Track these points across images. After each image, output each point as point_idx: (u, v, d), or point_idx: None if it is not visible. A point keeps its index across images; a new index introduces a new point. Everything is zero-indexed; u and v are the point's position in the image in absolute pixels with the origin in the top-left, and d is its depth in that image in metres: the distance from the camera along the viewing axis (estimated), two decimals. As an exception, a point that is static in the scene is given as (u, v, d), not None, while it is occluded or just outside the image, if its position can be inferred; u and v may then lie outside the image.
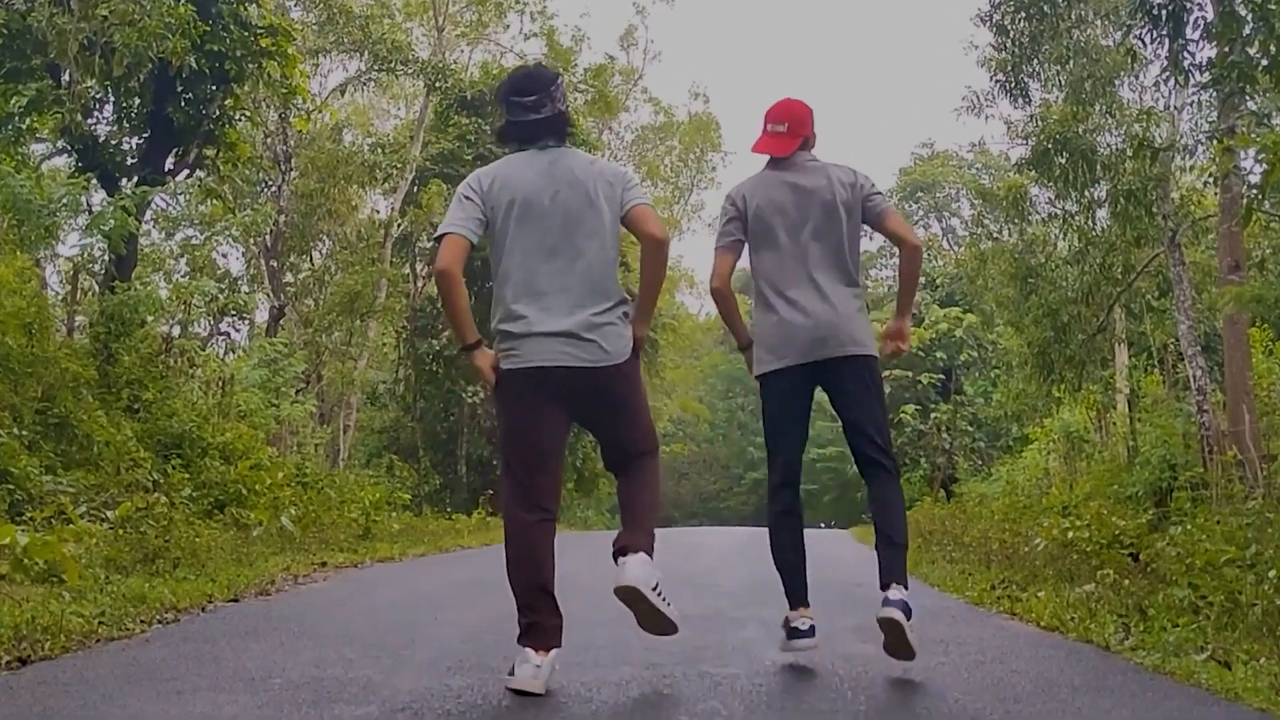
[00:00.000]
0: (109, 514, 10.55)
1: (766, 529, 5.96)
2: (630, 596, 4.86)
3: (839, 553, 15.60)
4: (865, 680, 5.35)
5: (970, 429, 38.56)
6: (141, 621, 6.92)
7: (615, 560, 4.96)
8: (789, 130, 5.86)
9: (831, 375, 5.64)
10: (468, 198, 5.05)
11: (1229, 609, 7.23)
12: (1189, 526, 10.65)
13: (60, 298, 16.75)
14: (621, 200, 5.05)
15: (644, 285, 5.18)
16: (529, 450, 5.01)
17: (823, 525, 37.93)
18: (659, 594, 4.91)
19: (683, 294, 61.09)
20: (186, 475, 13.76)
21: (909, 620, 5.25)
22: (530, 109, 5.06)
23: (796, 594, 5.73)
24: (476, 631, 6.74)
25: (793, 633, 5.62)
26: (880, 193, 5.90)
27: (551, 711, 4.56)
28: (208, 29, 16.02)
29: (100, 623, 6.59)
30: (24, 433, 11.35)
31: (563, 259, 4.95)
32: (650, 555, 4.99)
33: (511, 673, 4.87)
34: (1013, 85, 19.58)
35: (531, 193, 4.98)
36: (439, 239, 4.99)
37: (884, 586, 5.42)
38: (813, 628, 5.62)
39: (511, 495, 5.03)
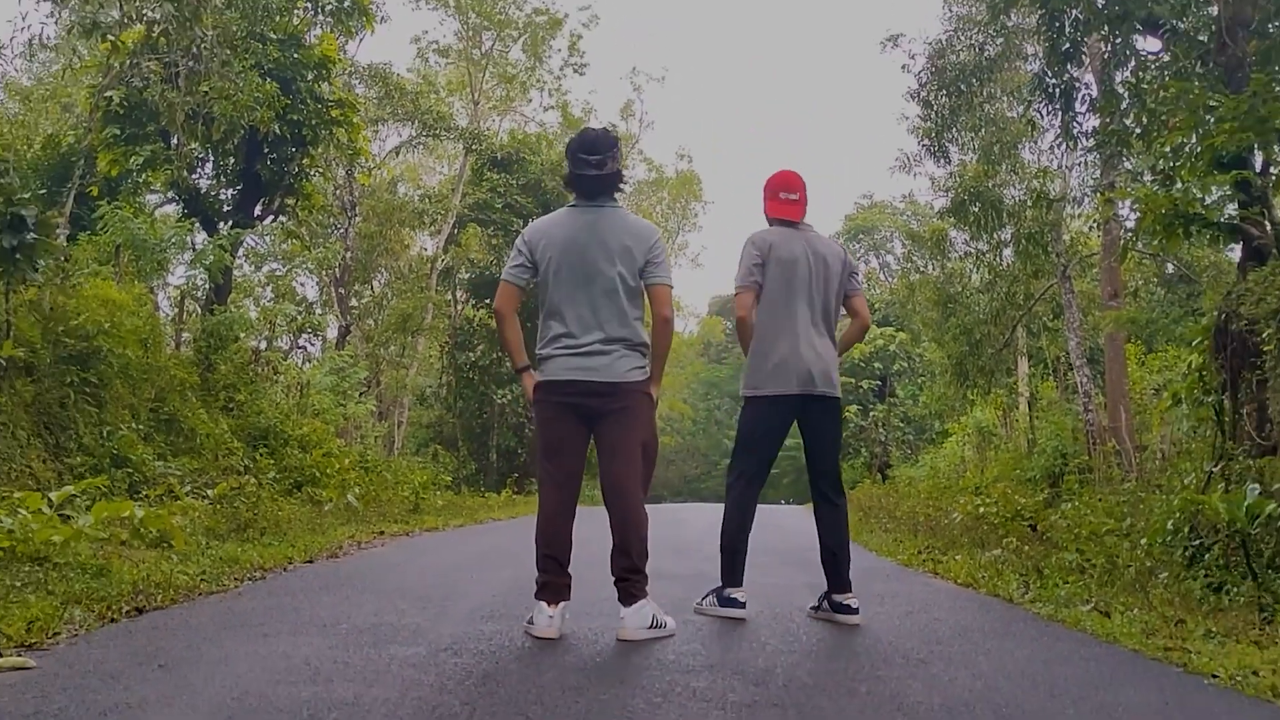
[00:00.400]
0: (209, 492, 10.55)
1: (725, 511, 5.81)
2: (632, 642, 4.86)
3: (797, 524, 15.59)
4: (816, 626, 5.36)
5: (902, 425, 38.56)
6: (235, 579, 6.91)
7: (618, 591, 4.95)
8: (800, 199, 5.85)
9: (814, 408, 5.64)
10: (520, 250, 5.08)
11: (1109, 569, 7.24)
12: (1077, 503, 10.67)
13: (170, 318, 16.70)
14: (643, 271, 5.01)
15: (653, 353, 5.12)
16: (553, 445, 5.02)
17: (783, 502, 38.00)
18: (655, 627, 4.90)
19: (671, 316, 61.19)
20: (271, 461, 13.76)
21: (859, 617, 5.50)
22: (594, 165, 5.01)
23: (739, 574, 5.71)
24: (504, 588, 6.74)
25: (730, 602, 5.63)
26: (858, 272, 5.95)
27: (564, 652, 4.55)
28: (289, 102, 16.06)
29: (202, 580, 6.59)
30: (140, 427, 11.35)
31: (585, 306, 4.92)
32: (645, 594, 4.94)
33: (530, 621, 4.92)
34: (936, 148, 19.63)
35: (567, 249, 4.97)
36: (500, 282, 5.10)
37: (839, 591, 5.57)
38: (745, 602, 5.65)
39: (542, 482, 5.11)
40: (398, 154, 33.99)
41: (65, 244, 12.76)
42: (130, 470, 10.41)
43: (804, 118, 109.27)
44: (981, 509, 11.86)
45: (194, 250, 15.80)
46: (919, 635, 5.07)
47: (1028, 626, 5.54)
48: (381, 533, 11.82)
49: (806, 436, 5.70)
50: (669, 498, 55.74)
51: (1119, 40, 12.01)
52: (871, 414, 39.20)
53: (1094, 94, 13.47)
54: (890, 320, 41.59)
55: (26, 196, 9.15)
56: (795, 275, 5.65)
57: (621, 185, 5.15)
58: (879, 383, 41.71)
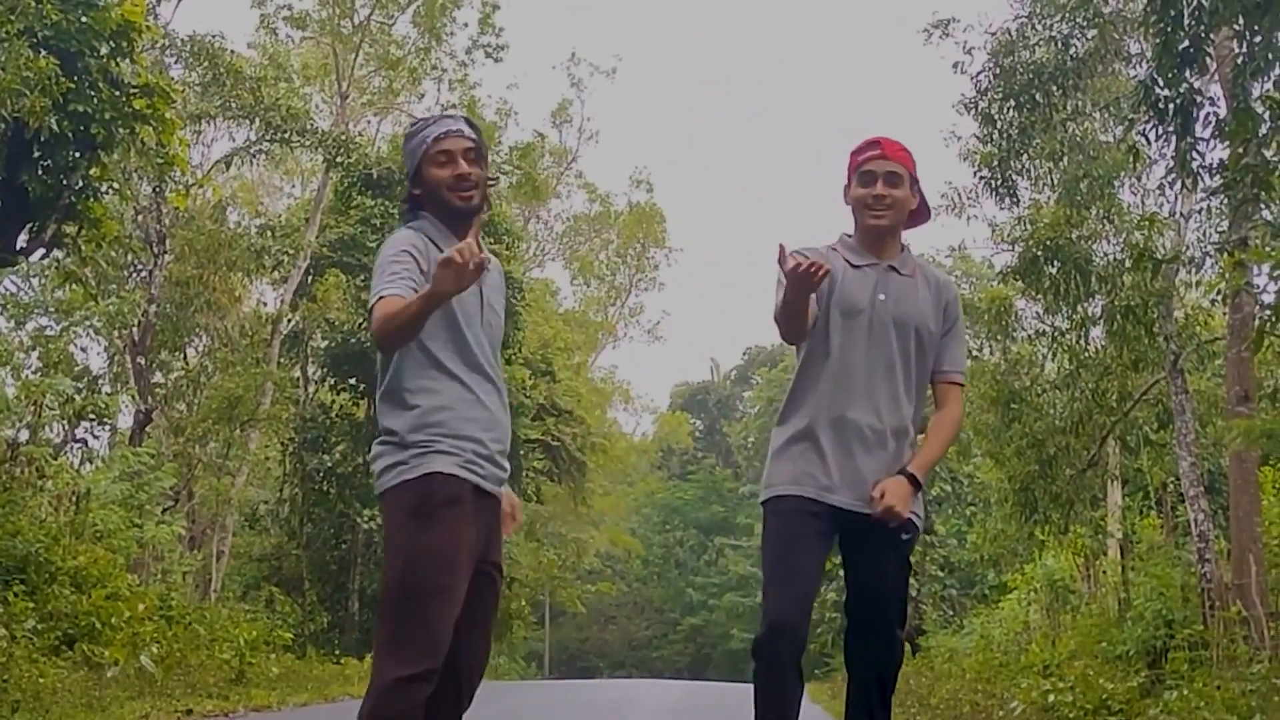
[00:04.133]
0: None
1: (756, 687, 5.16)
2: None
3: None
4: None
5: (941, 574, 38.65)
6: (-28, 775, 6.85)
7: None
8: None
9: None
10: None
11: (1231, 787, 7.31)
12: (1186, 691, 10.74)
13: (-110, 393, 16.61)
14: None
15: None
16: None
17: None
18: None
19: (616, 410, 61.29)
20: (31, 605, 13.61)
21: None
22: None
23: None
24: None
25: None
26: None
27: None
28: (72, 86, 15.98)
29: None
30: None
31: None
32: None
33: None
34: (999, 182, 19.83)
35: None
36: None
37: None
38: None
39: None
40: (229, 166, 34.06)
41: None
42: None
43: (812, 134, 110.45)
44: (1052, 697, 11.93)
45: (-72, 296, 15.76)
46: None
47: None
48: (189, 711, 11.74)
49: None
50: (606, 670, 55.42)
51: (1259, 38, 12.25)
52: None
53: (1222, 113, 13.72)
54: (927, 424, 41.88)
55: None
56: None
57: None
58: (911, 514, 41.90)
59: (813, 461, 5.17)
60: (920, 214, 5.31)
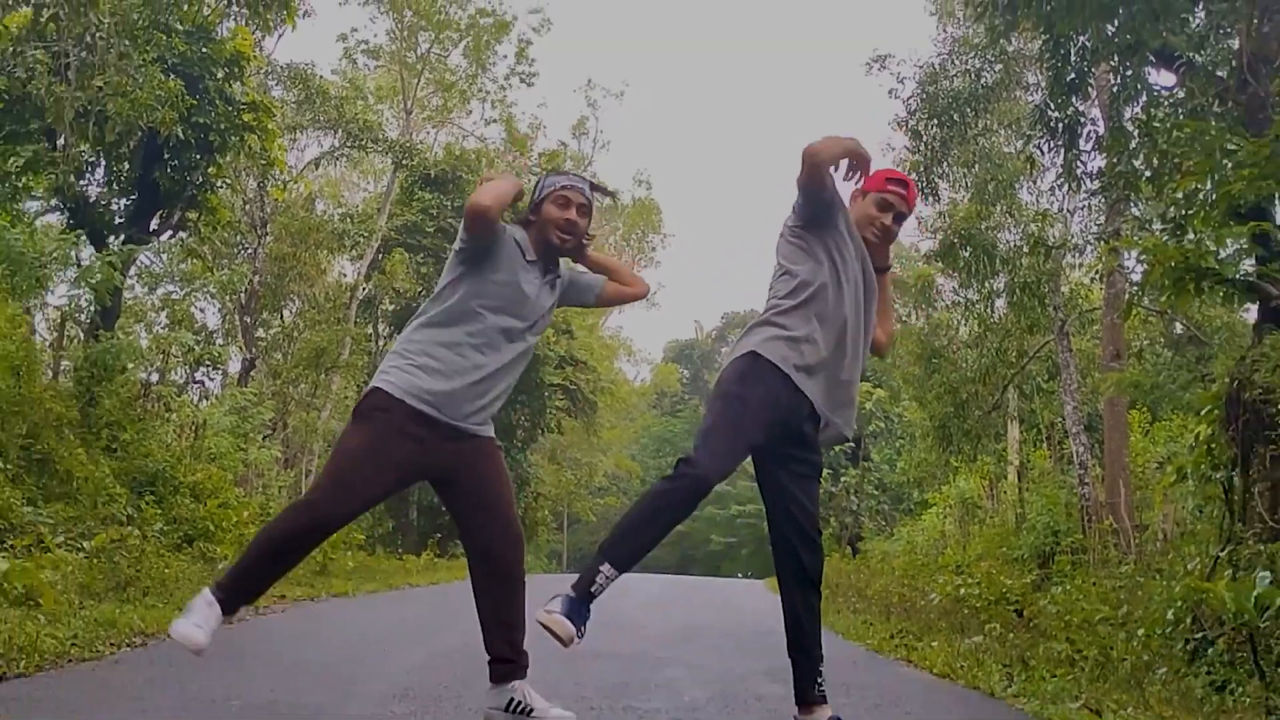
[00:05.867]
0: (85, 544, 10.41)
1: (654, 498, 4.56)
2: None
3: (755, 603, 15.62)
4: (775, 718, 5.36)
5: (876, 493, 38.65)
6: (111, 645, 6.83)
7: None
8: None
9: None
10: None
11: (1101, 663, 7.29)
12: (1068, 587, 10.74)
13: (48, 344, 16.54)
14: None
15: None
16: None
17: (740, 576, 37.97)
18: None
19: (621, 362, 61.30)
20: (159, 511, 13.60)
21: None
22: None
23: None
24: (418, 665, 6.70)
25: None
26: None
27: (487, 739, 4.54)
28: (195, 103, 15.98)
29: (73, 644, 6.51)
30: (8, 467, 11.20)
31: None
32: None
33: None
34: (924, 184, 19.76)
35: None
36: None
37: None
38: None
39: None
40: (317, 166, 33.91)
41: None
42: (-6, 516, 10.27)
43: (777, 146, 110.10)
44: (962, 590, 11.92)
45: (79, 267, 15.67)
46: (888, 732, 5.08)
47: (1010, 725, 5.57)
48: (282, 597, 11.70)
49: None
50: (611, 567, 55.58)
51: (1130, 73, 12.21)
52: (843, 479, 39.27)
53: (1100, 131, 13.66)
54: (867, 375, 41.80)
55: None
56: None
57: None
58: (852, 445, 41.78)
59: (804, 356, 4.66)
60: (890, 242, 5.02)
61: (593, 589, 4.37)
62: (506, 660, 4.73)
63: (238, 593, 4.57)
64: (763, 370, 4.57)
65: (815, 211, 4.77)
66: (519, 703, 4.70)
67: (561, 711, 4.73)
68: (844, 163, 4.77)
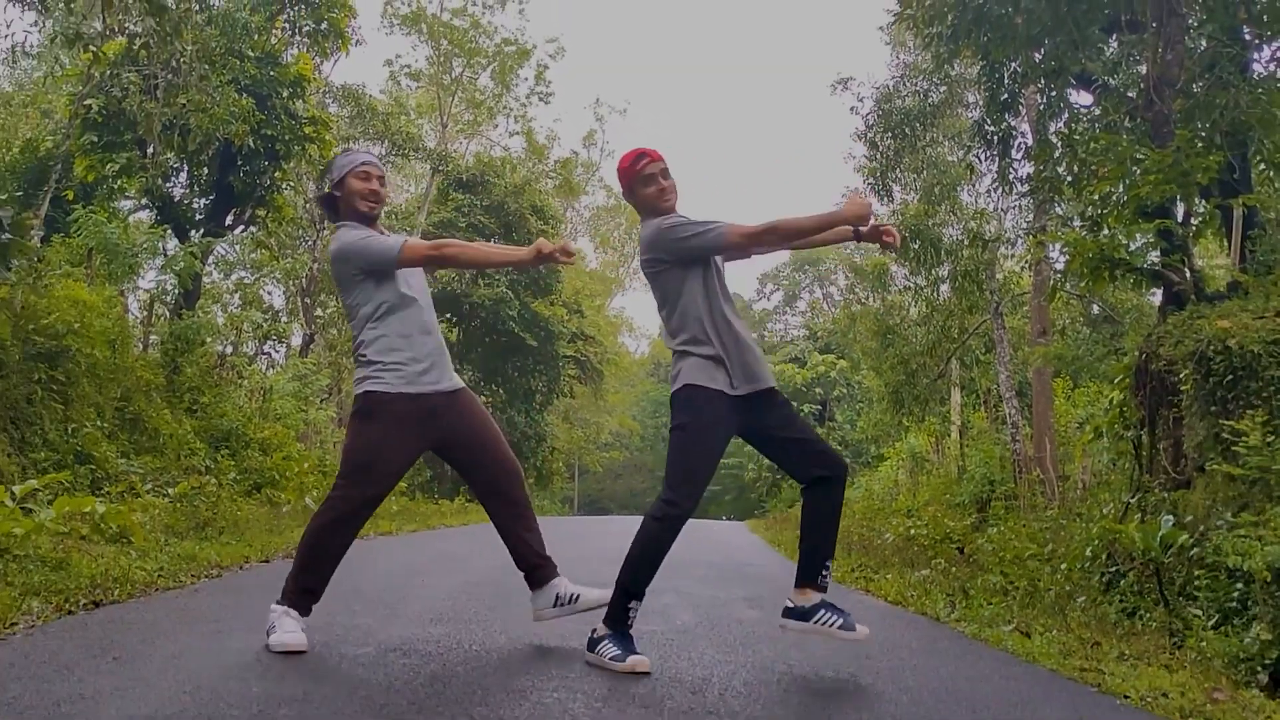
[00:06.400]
0: (170, 491, 10.42)
1: (649, 539, 4.47)
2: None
3: (738, 540, 15.63)
4: (752, 638, 5.36)
5: (840, 448, 38.71)
6: (192, 576, 6.83)
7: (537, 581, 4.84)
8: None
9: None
10: None
11: (1030, 592, 7.30)
12: (1002, 528, 10.74)
13: (138, 321, 16.50)
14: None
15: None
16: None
17: (724, 518, 38.08)
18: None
19: (624, 337, 61.32)
20: (232, 462, 13.60)
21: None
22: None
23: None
24: (454, 592, 6.69)
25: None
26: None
27: (511, 655, 4.53)
28: (263, 117, 15.95)
29: (159, 576, 6.51)
30: (105, 425, 11.19)
31: None
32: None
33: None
34: (880, 187, 19.74)
35: None
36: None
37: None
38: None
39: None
40: (367, 172, 33.72)
41: (39, 245, 12.59)
42: (93, 467, 10.26)
43: (756, 153, 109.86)
44: (912, 531, 11.93)
45: (165, 256, 15.61)
46: (849, 650, 5.08)
47: (953, 645, 5.57)
48: (337, 534, 11.71)
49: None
50: (615, 510, 55.71)
51: (1054, 93, 12.18)
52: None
53: (1029, 143, 13.65)
54: (831, 348, 41.85)
55: (3, 198, 9.06)
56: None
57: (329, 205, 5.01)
58: (819, 407, 41.92)
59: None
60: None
61: (628, 621, 4.45)
62: (538, 565, 4.78)
63: (301, 594, 4.56)
64: (703, 398, 4.44)
65: (694, 257, 4.57)
66: (564, 595, 4.76)
67: (600, 591, 4.78)
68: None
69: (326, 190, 4.92)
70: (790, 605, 4.60)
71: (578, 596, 4.73)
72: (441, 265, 4.89)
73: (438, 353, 4.73)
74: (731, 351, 4.48)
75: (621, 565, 4.46)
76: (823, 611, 4.52)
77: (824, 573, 4.57)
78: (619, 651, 4.33)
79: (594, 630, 4.45)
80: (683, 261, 4.54)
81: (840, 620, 4.50)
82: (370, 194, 4.86)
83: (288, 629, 4.43)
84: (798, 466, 4.57)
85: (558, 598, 4.74)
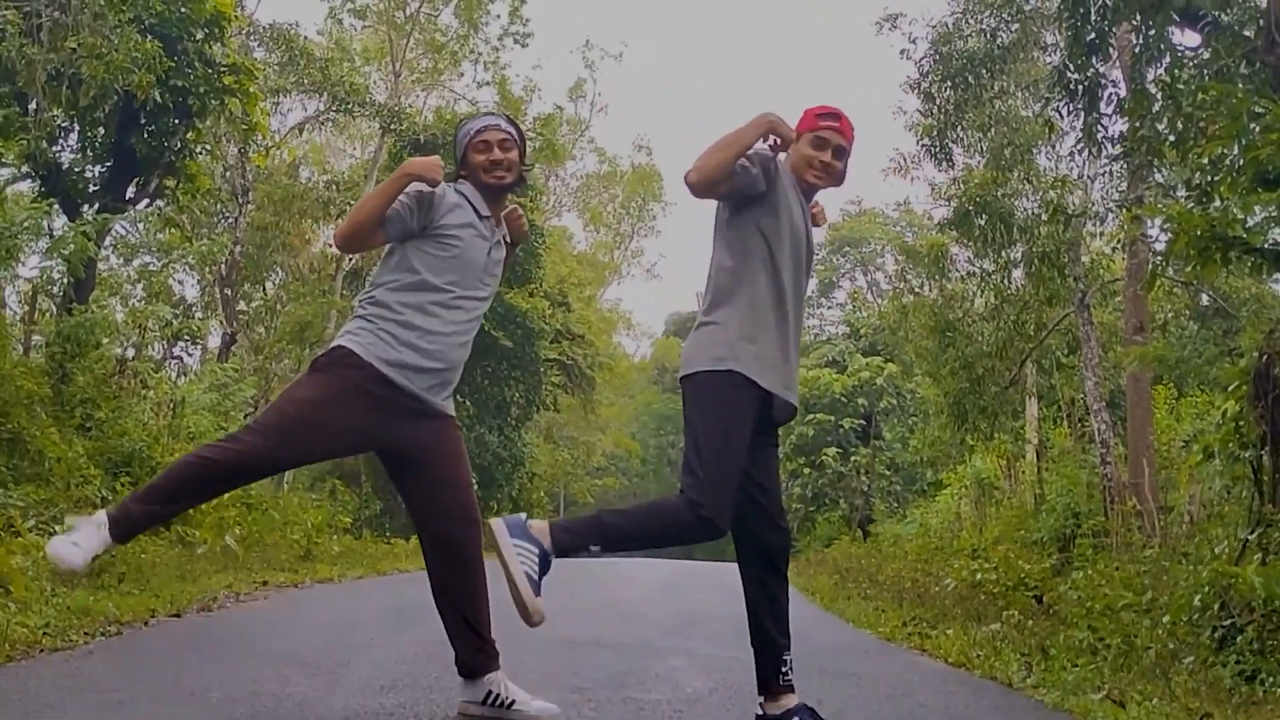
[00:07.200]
0: (57, 528, 10.41)
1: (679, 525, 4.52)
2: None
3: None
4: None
5: (888, 473, 38.73)
6: (85, 634, 6.83)
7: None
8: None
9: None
10: None
11: (1125, 651, 7.30)
12: (1090, 572, 10.74)
13: (18, 318, 16.51)
14: None
15: None
16: None
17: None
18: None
19: (620, 336, 61.36)
20: (135, 493, 13.58)
21: None
22: None
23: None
24: (409, 653, 6.69)
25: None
26: None
27: (479, 732, 4.53)
28: (173, 65, 15.93)
29: (45, 634, 6.50)
30: (-23, 447, 11.21)
31: None
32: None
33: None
34: (937, 149, 19.76)
35: None
36: None
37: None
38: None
39: None
40: (301, 132, 33.87)
41: (-106, 225, 12.60)
42: (-38, 499, 10.27)
43: (783, 108, 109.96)
44: (979, 575, 11.95)
45: (51, 237, 15.62)
46: (901, 724, 5.08)
47: (1029, 716, 5.57)
48: (265, 583, 11.72)
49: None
50: (609, 551, 55.76)
51: (1152, 32, 12.17)
52: (853, 459, 39.37)
53: (1122, 93, 13.63)
54: (877, 349, 41.81)
55: None
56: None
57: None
58: (863, 422, 41.84)
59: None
60: (840, 181, 4.91)
61: (570, 553, 4.43)
62: (476, 652, 4.73)
63: (138, 517, 4.56)
64: (728, 384, 4.52)
65: (738, 201, 4.69)
66: (497, 695, 4.69)
67: (544, 704, 4.73)
68: (761, 143, 4.69)
69: (458, 173, 4.98)
70: (760, 714, 4.64)
71: (512, 703, 4.69)
72: (350, 249, 4.99)
73: (447, 350, 4.73)
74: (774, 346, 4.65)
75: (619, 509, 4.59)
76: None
77: (784, 670, 4.61)
78: (536, 578, 4.32)
79: (538, 534, 4.42)
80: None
81: None
82: (493, 165, 4.89)
83: (80, 540, 4.41)
84: (748, 528, 4.63)
85: (489, 696, 4.72)
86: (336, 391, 4.53)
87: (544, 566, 4.35)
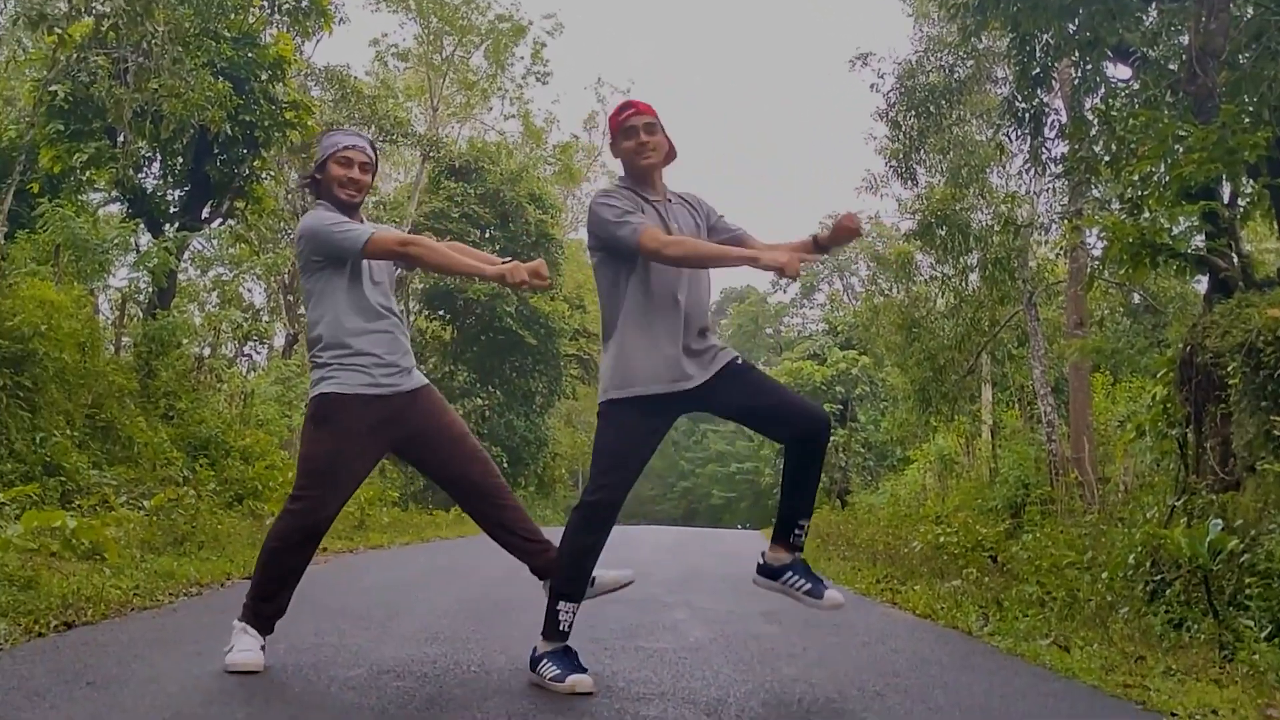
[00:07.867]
0: (145, 503, 10.42)
1: (578, 530, 4.50)
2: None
3: (751, 551, 15.60)
4: (770, 655, 5.35)
5: (862, 450, 38.66)
6: (170, 594, 6.84)
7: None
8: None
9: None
10: None
11: (1069, 603, 7.28)
12: (1038, 535, 10.71)
13: (110, 322, 16.52)
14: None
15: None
16: None
17: (739, 527, 38.09)
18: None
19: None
20: (212, 472, 13.60)
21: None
22: None
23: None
24: (450, 609, 6.70)
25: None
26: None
27: (511, 677, 4.53)
28: (241, 102, 15.93)
29: (135, 594, 6.52)
30: (75, 434, 11.21)
31: None
32: None
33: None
34: (903, 170, 19.75)
35: None
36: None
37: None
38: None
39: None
40: (352, 159, 33.75)
41: (3, 242, 12.62)
42: (63, 479, 10.27)
43: (771, 135, 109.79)
44: (942, 538, 11.91)
45: (137, 252, 15.63)
46: (875, 667, 5.08)
47: (986, 660, 5.56)
48: (324, 549, 11.72)
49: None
50: (622, 520, 55.88)
51: (1089, 66, 12.15)
52: (831, 439, 39.32)
53: (1063, 120, 13.61)
54: (852, 344, 41.80)
55: (-36, 192, 9.06)
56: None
57: None
58: (840, 407, 41.81)
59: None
60: (671, 153, 4.73)
61: (559, 627, 4.39)
62: (539, 552, 4.77)
63: (263, 611, 4.57)
64: (622, 411, 4.48)
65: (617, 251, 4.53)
66: None
67: (617, 572, 4.86)
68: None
69: (311, 172, 4.89)
70: (762, 563, 4.69)
71: (594, 580, 4.71)
72: (407, 264, 4.95)
73: (395, 345, 4.71)
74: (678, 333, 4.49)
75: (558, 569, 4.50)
76: (791, 574, 4.60)
77: (797, 531, 4.62)
78: (559, 671, 4.29)
79: (535, 647, 4.43)
80: (607, 250, 4.57)
81: (808, 585, 4.57)
82: (349, 182, 4.81)
83: (244, 647, 4.46)
84: (780, 429, 4.59)
85: None
86: (345, 434, 4.54)
87: (563, 666, 4.33)
